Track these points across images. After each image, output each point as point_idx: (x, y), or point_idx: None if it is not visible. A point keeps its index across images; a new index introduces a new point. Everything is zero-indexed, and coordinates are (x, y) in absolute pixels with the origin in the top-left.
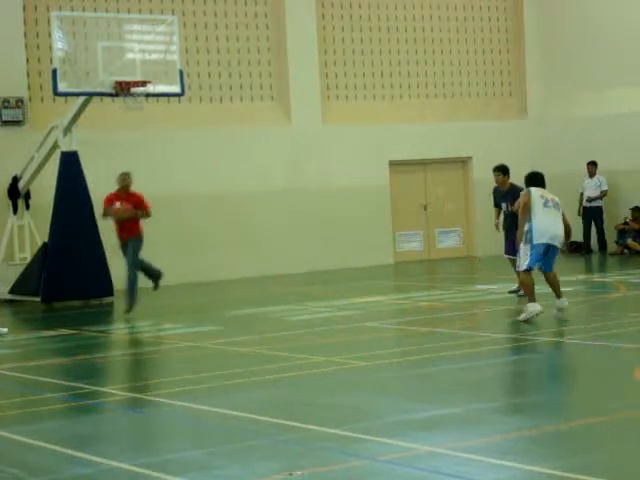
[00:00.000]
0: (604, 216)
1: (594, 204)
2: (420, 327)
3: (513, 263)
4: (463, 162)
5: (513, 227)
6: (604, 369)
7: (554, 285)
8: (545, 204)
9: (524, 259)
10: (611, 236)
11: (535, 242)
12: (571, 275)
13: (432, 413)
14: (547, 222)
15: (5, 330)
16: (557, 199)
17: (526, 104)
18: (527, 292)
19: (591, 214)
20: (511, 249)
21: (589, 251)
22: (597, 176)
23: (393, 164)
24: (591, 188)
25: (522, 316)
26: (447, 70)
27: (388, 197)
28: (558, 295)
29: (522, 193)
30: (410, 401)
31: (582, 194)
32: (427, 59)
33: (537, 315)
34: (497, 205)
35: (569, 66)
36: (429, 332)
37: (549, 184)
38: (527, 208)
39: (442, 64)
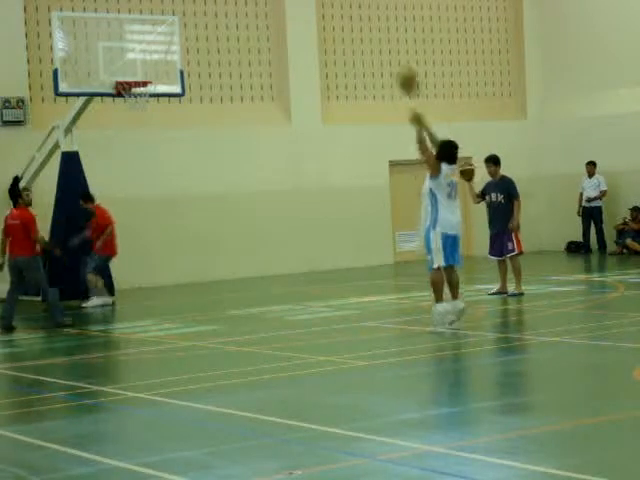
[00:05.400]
0: (603, 216)
1: (593, 204)
2: (420, 327)
3: (498, 264)
4: (463, 162)
5: (501, 226)
6: (604, 369)
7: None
8: (449, 194)
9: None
10: (610, 236)
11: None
12: (571, 275)
13: (431, 412)
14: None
15: None
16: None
17: (526, 104)
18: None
19: (590, 214)
20: (498, 250)
21: (588, 251)
22: (596, 176)
23: (393, 164)
24: (590, 188)
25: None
26: (447, 70)
27: (388, 197)
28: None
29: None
30: (410, 400)
31: (581, 194)
32: (427, 59)
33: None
34: (481, 196)
35: (569, 66)
36: (429, 332)
37: (549, 184)
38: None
39: (442, 64)
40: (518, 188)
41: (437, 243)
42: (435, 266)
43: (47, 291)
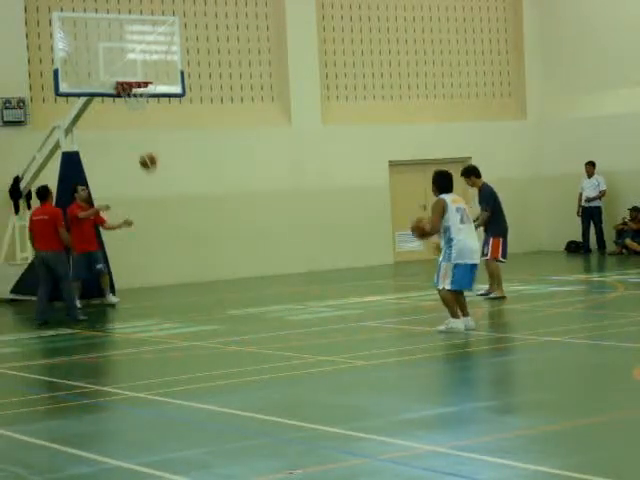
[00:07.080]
0: (603, 216)
1: (593, 204)
2: (419, 327)
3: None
4: (463, 162)
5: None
6: (604, 369)
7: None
8: (462, 220)
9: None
10: (610, 236)
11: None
12: (570, 274)
13: (431, 412)
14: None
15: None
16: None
17: (525, 105)
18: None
19: (590, 214)
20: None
21: (588, 251)
22: (595, 176)
23: (393, 164)
24: (590, 188)
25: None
26: (447, 71)
27: (388, 197)
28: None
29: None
30: (410, 400)
31: (581, 194)
32: (427, 59)
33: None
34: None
35: (568, 67)
36: (428, 331)
37: (549, 185)
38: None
39: (442, 65)
40: (488, 199)
41: (446, 270)
42: (440, 287)
43: (65, 287)
